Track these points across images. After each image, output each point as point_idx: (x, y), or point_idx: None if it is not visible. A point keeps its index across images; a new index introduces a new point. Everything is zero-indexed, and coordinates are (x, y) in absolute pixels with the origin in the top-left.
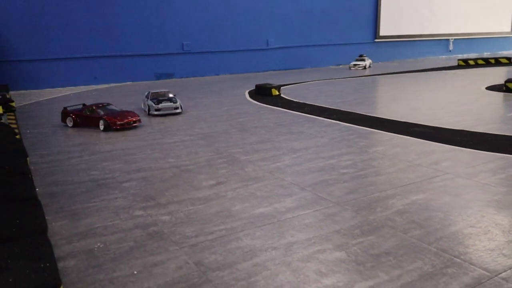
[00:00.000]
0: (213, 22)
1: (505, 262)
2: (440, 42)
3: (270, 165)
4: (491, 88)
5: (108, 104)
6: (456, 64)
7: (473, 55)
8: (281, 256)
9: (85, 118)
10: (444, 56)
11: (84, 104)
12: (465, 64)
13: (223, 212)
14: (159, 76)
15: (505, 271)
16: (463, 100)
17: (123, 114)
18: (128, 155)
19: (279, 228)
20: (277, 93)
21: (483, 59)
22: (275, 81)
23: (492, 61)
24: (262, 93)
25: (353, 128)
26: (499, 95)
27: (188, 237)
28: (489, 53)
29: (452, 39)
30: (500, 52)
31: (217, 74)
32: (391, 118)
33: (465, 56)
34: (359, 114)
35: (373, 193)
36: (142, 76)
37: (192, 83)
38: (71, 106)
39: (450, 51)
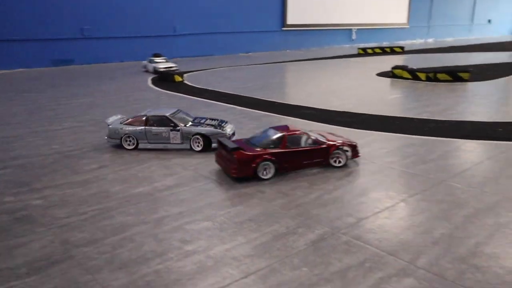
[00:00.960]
0: (116, 6)
1: (348, 220)
2: (343, 31)
3: (158, 149)
4: (381, 74)
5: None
6: (357, 52)
7: (373, 44)
8: (150, 229)
9: (296, 154)
10: (347, 45)
11: (223, 143)
12: (364, 52)
13: (100, 193)
14: (56, 63)
15: (346, 227)
16: (355, 85)
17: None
18: (7, 143)
19: (154, 205)
20: (180, 79)
21: (380, 48)
22: (181, 68)
23: (388, 50)
24: (165, 80)
25: (247, 112)
26: (387, 80)
27: (59, 218)
28: (387, 43)
29: (355, 29)
30: (397, 42)
31: (122, 61)
32: (285, 102)
33: (367, 45)
34: (257, 98)
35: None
36: (36, 62)
37: (93, 70)
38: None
39: (353, 40)
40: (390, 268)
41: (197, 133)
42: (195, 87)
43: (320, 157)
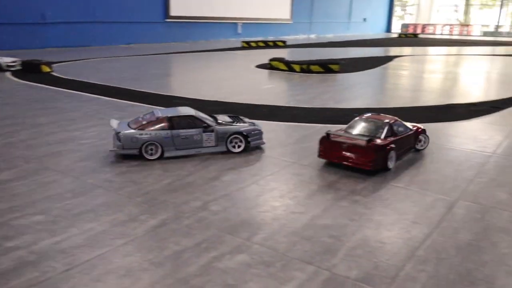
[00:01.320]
0: None
1: (194, 204)
2: (230, 25)
3: (0, 141)
4: (260, 66)
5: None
6: (241, 45)
7: (259, 38)
8: None
9: (403, 141)
10: (233, 39)
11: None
12: (248, 45)
13: None
14: None
15: (191, 211)
16: (233, 76)
17: None
18: None
19: None
20: (48, 70)
21: (263, 41)
22: (51, 59)
23: (271, 43)
24: (29, 70)
25: (113, 102)
26: (265, 71)
27: None
28: (273, 37)
29: (240, 23)
30: (282, 37)
31: None
32: (157, 92)
33: (252, 39)
34: (127, 89)
35: (104, 159)
36: None
37: None
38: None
39: (239, 34)
40: (226, 246)
41: (236, 132)
42: (62, 77)
43: (413, 142)
